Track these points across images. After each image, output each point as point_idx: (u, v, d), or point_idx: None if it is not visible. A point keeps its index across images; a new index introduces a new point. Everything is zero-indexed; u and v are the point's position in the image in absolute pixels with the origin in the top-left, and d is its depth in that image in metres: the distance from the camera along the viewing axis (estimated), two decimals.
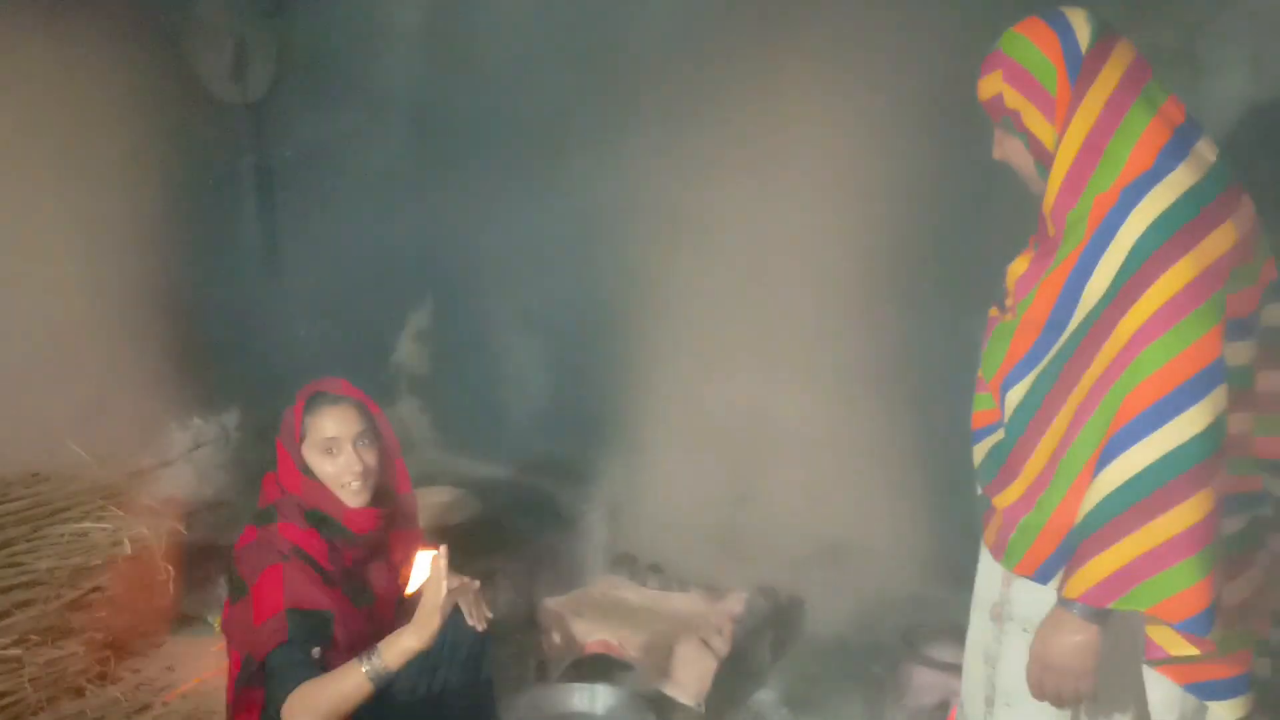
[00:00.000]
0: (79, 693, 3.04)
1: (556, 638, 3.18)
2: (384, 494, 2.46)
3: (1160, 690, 1.78)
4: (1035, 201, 1.84)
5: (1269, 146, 2.68)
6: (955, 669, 2.96)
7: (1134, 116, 1.70)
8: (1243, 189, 1.74)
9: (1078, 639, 1.69)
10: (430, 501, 3.78)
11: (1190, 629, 1.63)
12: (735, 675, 3.33)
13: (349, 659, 2.16)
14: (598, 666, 3.27)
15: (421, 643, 2.13)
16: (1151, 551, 1.62)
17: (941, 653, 3.11)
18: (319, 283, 4.52)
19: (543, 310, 4.33)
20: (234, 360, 4.09)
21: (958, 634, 3.00)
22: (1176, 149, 1.68)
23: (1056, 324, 1.74)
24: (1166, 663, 1.73)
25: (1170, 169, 1.66)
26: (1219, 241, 1.64)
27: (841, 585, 3.63)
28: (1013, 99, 1.78)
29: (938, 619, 3.21)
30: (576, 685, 3.18)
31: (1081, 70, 1.72)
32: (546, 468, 4.18)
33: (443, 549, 2.17)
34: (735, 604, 3.41)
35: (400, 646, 2.14)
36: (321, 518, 2.33)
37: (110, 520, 3.07)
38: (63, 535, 2.99)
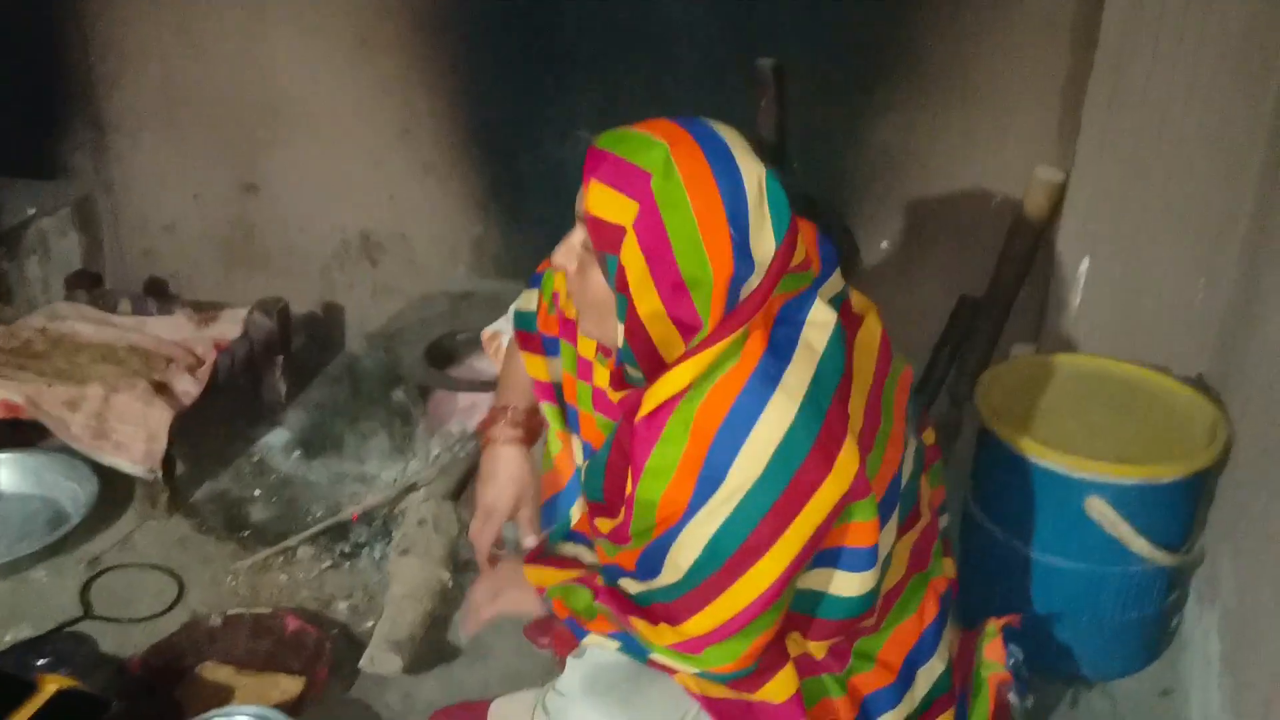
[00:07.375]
0: None
1: None
2: None
3: None
4: None
5: None
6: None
7: None
8: None
9: None
10: None
11: None
12: (237, 417, 2.58)
13: None
14: (28, 435, 2.40)
15: None
16: None
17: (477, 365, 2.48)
18: None
19: None
20: None
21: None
22: None
23: None
24: None
25: None
26: None
27: (377, 284, 2.90)
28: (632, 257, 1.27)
29: (480, 319, 2.51)
30: None
31: None
32: None
33: None
34: (228, 326, 2.59)
35: None
36: None
37: None
38: None
